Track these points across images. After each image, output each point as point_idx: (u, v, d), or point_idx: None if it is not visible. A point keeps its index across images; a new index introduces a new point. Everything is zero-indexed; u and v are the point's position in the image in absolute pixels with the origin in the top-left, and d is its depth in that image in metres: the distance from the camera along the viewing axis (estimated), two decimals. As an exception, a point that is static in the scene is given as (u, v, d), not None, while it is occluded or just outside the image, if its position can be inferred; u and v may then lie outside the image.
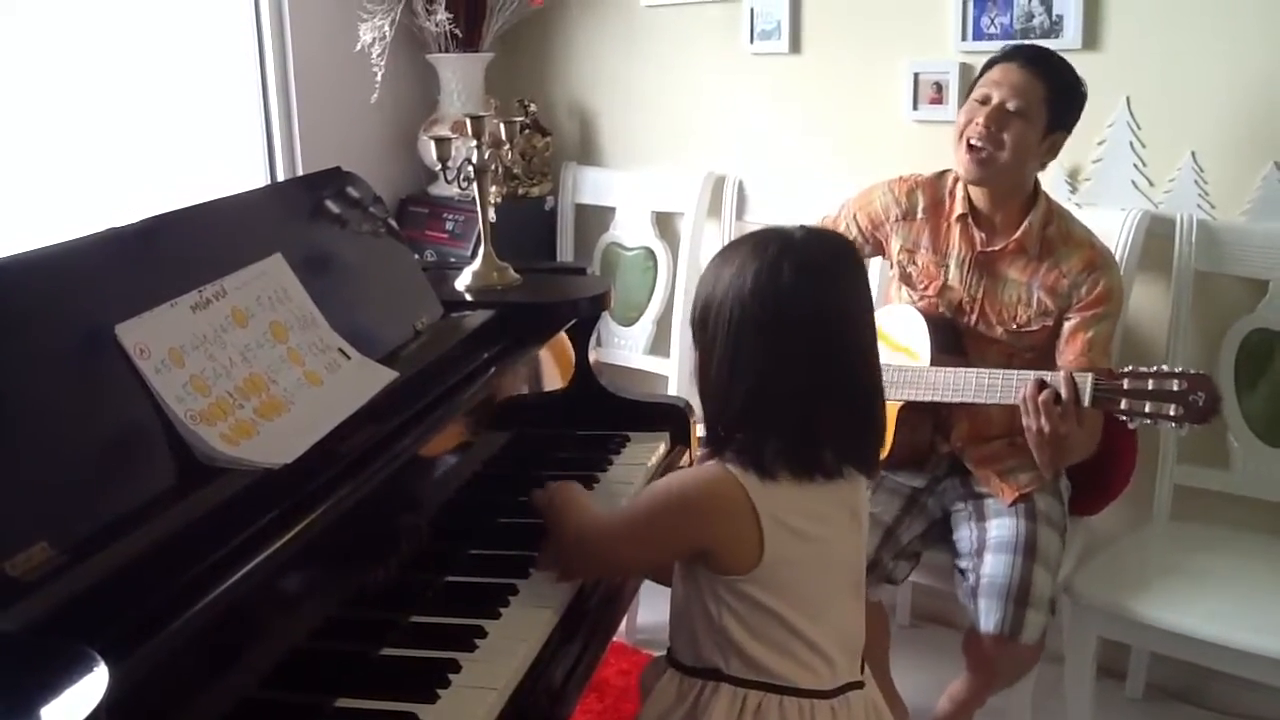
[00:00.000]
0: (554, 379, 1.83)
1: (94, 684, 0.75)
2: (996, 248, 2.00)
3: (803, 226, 1.29)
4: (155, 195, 2.33)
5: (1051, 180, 2.19)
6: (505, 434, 1.61)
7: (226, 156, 2.62)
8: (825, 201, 2.27)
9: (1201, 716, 2.32)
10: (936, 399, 1.95)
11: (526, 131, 2.89)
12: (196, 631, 0.94)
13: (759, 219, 2.68)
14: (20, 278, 1.08)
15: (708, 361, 1.26)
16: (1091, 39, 2.24)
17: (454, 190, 1.90)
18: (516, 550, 1.43)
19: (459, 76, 2.85)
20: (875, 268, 2.29)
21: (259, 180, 2.65)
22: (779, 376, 1.20)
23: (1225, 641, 1.81)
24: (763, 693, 1.24)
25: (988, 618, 1.84)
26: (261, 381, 1.24)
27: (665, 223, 2.89)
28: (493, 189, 1.90)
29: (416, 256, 1.84)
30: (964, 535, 2.00)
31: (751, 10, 2.68)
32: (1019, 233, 1.97)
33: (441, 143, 1.83)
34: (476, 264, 1.88)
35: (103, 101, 2.31)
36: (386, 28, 2.61)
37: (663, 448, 1.83)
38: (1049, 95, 1.92)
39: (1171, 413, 1.73)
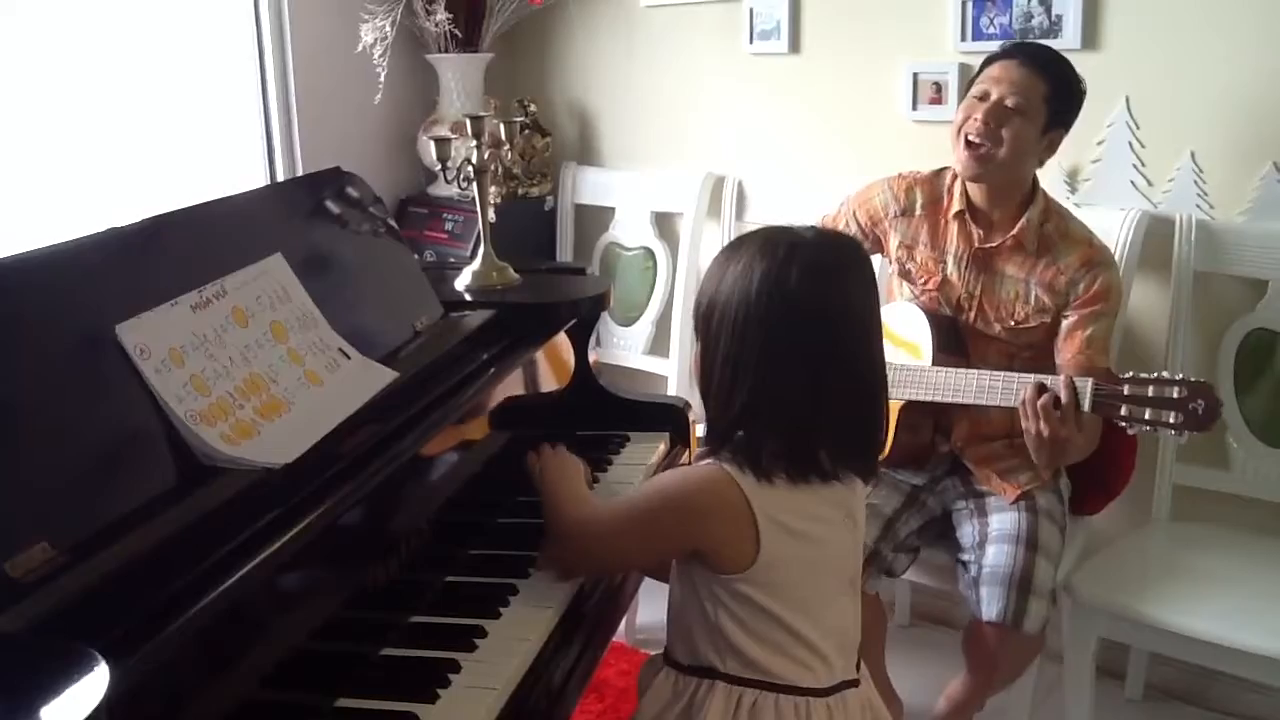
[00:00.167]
0: (553, 379, 1.83)
1: (95, 684, 0.75)
2: (994, 244, 2.00)
3: (811, 227, 1.29)
4: (155, 195, 2.34)
5: (1051, 180, 2.19)
6: (505, 434, 1.61)
7: (226, 157, 2.63)
8: (825, 201, 2.27)
9: (1201, 717, 2.32)
10: (937, 399, 1.95)
11: (526, 132, 2.89)
12: (197, 631, 0.94)
13: (758, 219, 2.68)
14: (21, 278, 1.08)
15: (710, 359, 1.25)
16: (1091, 39, 2.25)
17: (454, 190, 1.90)
18: (516, 550, 1.43)
19: (459, 77, 2.85)
20: (876, 265, 2.28)
21: (259, 180, 2.65)
22: (782, 377, 1.20)
23: (1225, 641, 1.81)
24: (758, 691, 1.24)
25: (989, 606, 1.84)
26: (262, 381, 1.24)
27: (665, 223, 2.89)
28: (492, 189, 1.90)
29: (416, 257, 1.84)
30: (966, 531, 2.00)
31: (751, 10, 2.68)
32: (1016, 229, 1.97)
33: (441, 143, 1.83)
34: (476, 264, 1.88)
35: (103, 101, 2.31)
36: (387, 28, 2.61)
37: (662, 447, 1.83)
38: (1048, 93, 1.92)
39: (1171, 420, 1.73)
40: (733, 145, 2.79)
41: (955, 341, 2.04)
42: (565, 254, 3.03)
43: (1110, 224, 2.16)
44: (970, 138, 1.94)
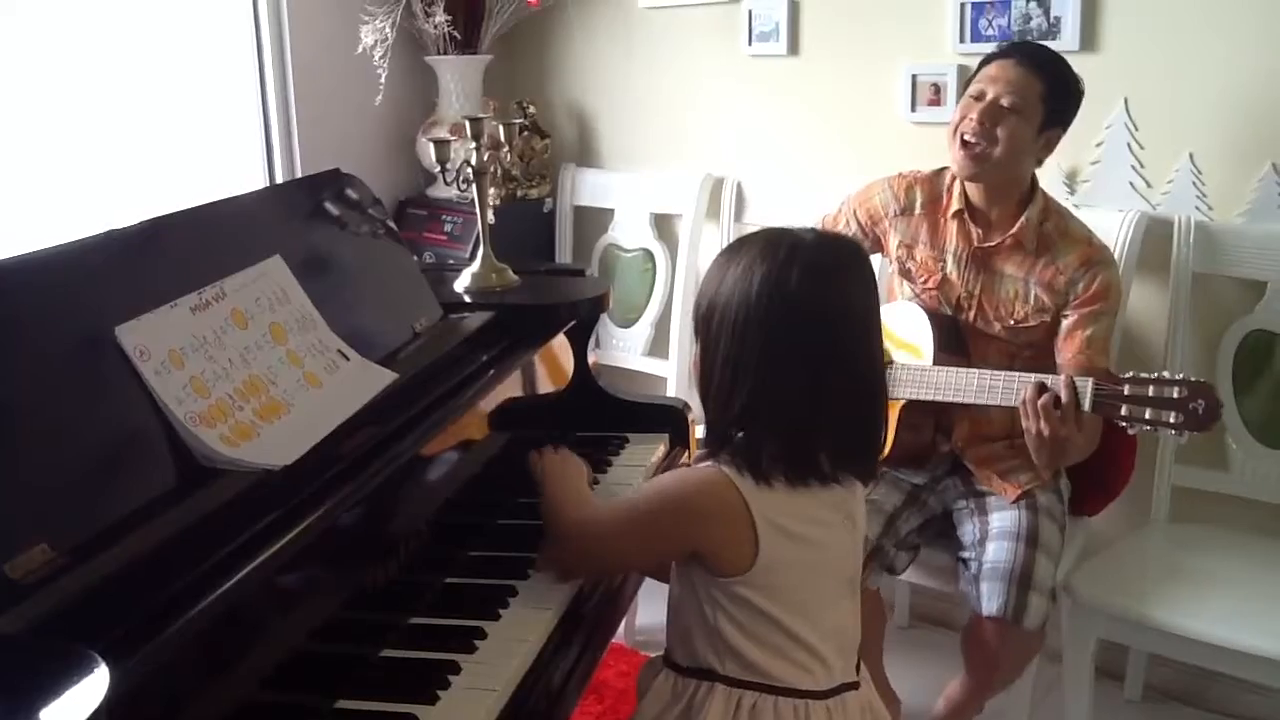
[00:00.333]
0: (553, 381, 1.83)
1: (95, 685, 0.75)
2: (993, 243, 2.00)
3: (811, 229, 1.29)
4: (155, 197, 2.34)
5: (1050, 181, 2.19)
6: (504, 435, 1.61)
7: (226, 158, 2.63)
8: (824, 202, 2.27)
9: (1200, 718, 2.32)
10: (937, 398, 1.95)
11: (525, 133, 2.89)
12: (197, 633, 0.94)
13: (757, 220, 2.68)
14: (21, 279, 1.08)
15: (710, 360, 1.25)
16: (1089, 41, 2.25)
17: (453, 192, 1.90)
18: (516, 552, 1.43)
19: (458, 78, 2.85)
20: (875, 264, 2.29)
21: (258, 182, 2.65)
22: (781, 378, 1.20)
23: (1224, 642, 1.81)
24: (758, 693, 1.24)
25: (990, 600, 1.84)
26: (261, 383, 1.24)
27: (664, 224, 2.89)
28: (491, 191, 1.90)
29: (415, 258, 1.84)
30: (967, 530, 2.00)
31: (750, 12, 2.68)
32: (1015, 228, 1.98)
33: (440, 145, 1.83)
34: (475, 265, 1.88)
35: (103, 103, 2.31)
36: (387, 30, 2.61)
37: (662, 449, 1.83)
38: (1044, 92, 1.92)
39: (1171, 420, 1.73)
40: (732, 147, 2.80)
41: (956, 341, 2.04)
42: (564, 255, 3.03)
43: (1109, 225, 2.16)
44: (965, 137, 1.94)
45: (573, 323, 1.85)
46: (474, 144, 1.83)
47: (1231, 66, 2.11)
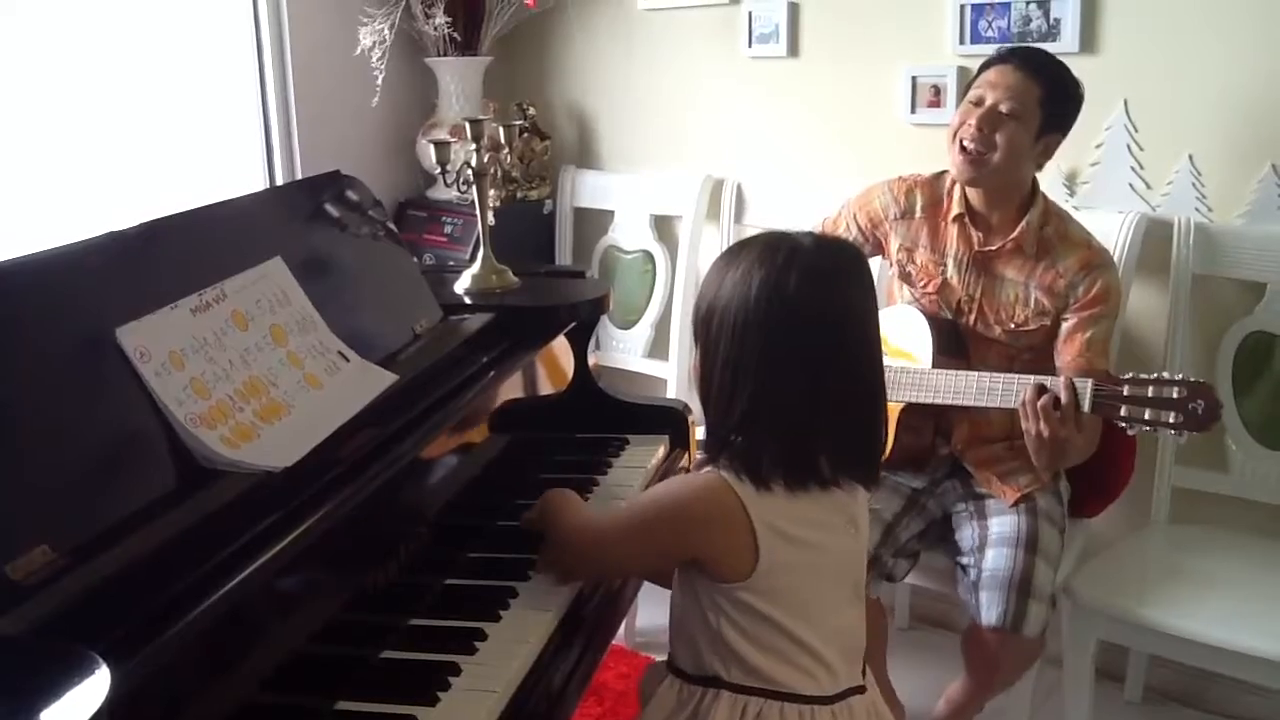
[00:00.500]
0: (553, 382, 1.83)
1: (96, 687, 0.75)
2: (994, 247, 2.00)
3: (809, 232, 1.29)
4: (155, 198, 2.34)
5: (1049, 183, 2.19)
6: (504, 437, 1.61)
7: (226, 160, 2.63)
8: (824, 205, 2.27)
9: (1200, 719, 2.32)
10: (937, 401, 1.95)
11: (525, 135, 2.89)
12: (198, 634, 0.94)
13: (757, 222, 2.68)
14: (21, 281, 1.08)
15: (710, 364, 1.25)
16: (1089, 42, 2.25)
17: (453, 194, 1.90)
18: (516, 553, 1.43)
19: (457, 80, 2.85)
20: (876, 267, 2.29)
21: (258, 184, 2.65)
22: (782, 382, 1.20)
23: (1224, 644, 1.81)
24: (763, 699, 1.24)
25: (989, 610, 1.84)
26: (261, 384, 1.24)
27: (664, 226, 2.89)
28: (491, 192, 1.90)
29: (415, 260, 1.85)
30: (966, 534, 2.00)
31: (750, 14, 2.68)
32: (1016, 232, 1.98)
33: (440, 146, 1.83)
34: (475, 267, 1.88)
35: (102, 105, 2.31)
36: (386, 31, 2.61)
37: (662, 450, 1.83)
38: (1043, 96, 1.92)
39: (1171, 420, 1.73)
40: (732, 148, 2.80)
41: (955, 344, 2.04)
42: (564, 257, 3.03)
43: (1109, 227, 2.16)
44: (964, 143, 1.94)
45: (573, 324, 1.85)
46: (474, 146, 1.84)
47: (1231, 68, 2.11)
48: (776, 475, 1.21)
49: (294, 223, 1.52)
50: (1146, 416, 1.75)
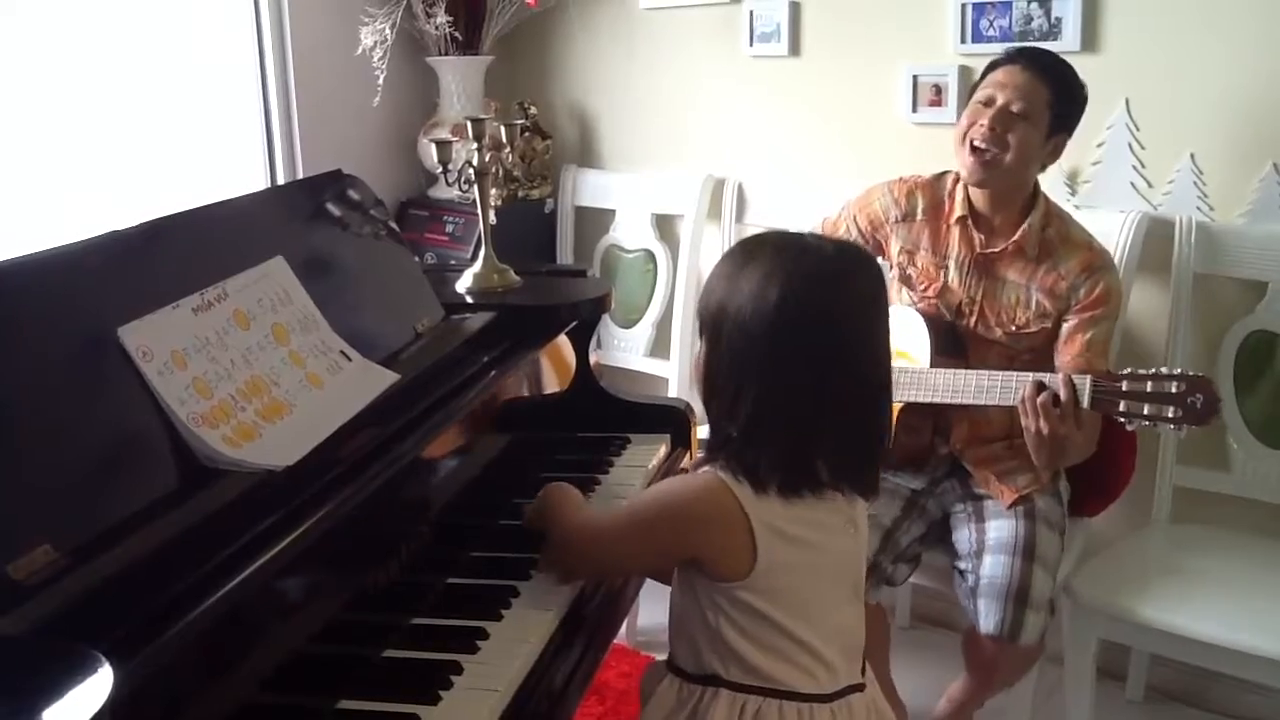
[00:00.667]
0: (554, 381, 1.83)
1: (98, 686, 0.75)
2: (995, 249, 2.00)
3: (822, 236, 1.29)
4: (156, 198, 2.34)
5: (1051, 182, 2.19)
6: (506, 436, 1.61)
7: (227, 160, 2.63)
8: (825, 204, 2.27)
9: (1202, 718, 2.32)
10: (936, 400, 1.95)
11: (526, 134, 2.89)
12: (199, 633, 0.94)
13: (759, 222, 2.68)
14: (23, 281, 1.08)
15: (717, 363, 1.25)
16: (1090, 41, 2.25)
17: (454, 193, 1.90)
18: (518, 552, 1.43)
19: (459, 79, 2.85)
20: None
21: (259, 183, 2.65)
22: (788, 386, 1.19)
23: (1225, 643, 1.81)
24: (762, 698, 1.24)
25: (987, 619, 1.84)
26: (263, 384, 1.24)
27: (665, 225, 2.89)
28: (493, 191, 1.90)
29: (417, 259, 1.85)
30: (963, 537, 2.00)
31: (751, 13, 2.68)
32: (1018, 234, 1.97)
33: (442, 145, 1.83)
34: (477, 266, 1.88)
35: (104, 105, 2.31)
36: (388, 31, 2.61)
37: (663, 450, 1.83)
38: (1052, 98, 1.92)
39: (1170, 415, 1.73)
40: (733, 148, 2.80)
41: (954, 345, 2.04)
42: (566, 256, 3.03)
43: (1110, 226, 2.16)
44: (976, 143, 1.93)
45: (574, 323, 1.85)
46: (475, 145, 1.84)
47: (1232, 67, 2.11)
48: (774, 479, 1.21)
49: (295, 222, 1.52)
50: (1146, 411, 1.75)
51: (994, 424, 2.04)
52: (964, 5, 2.37)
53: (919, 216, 2.08)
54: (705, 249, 2.78)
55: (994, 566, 1.89)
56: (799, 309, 1.19)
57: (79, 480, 1.01)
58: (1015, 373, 1.88)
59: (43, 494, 0.97)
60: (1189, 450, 2.17)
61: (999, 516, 1.97)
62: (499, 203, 1.95)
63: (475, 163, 1.85)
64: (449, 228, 2.84)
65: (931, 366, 1.98)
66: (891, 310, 2.09)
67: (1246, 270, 2.13)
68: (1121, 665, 2.35)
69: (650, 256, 2.90)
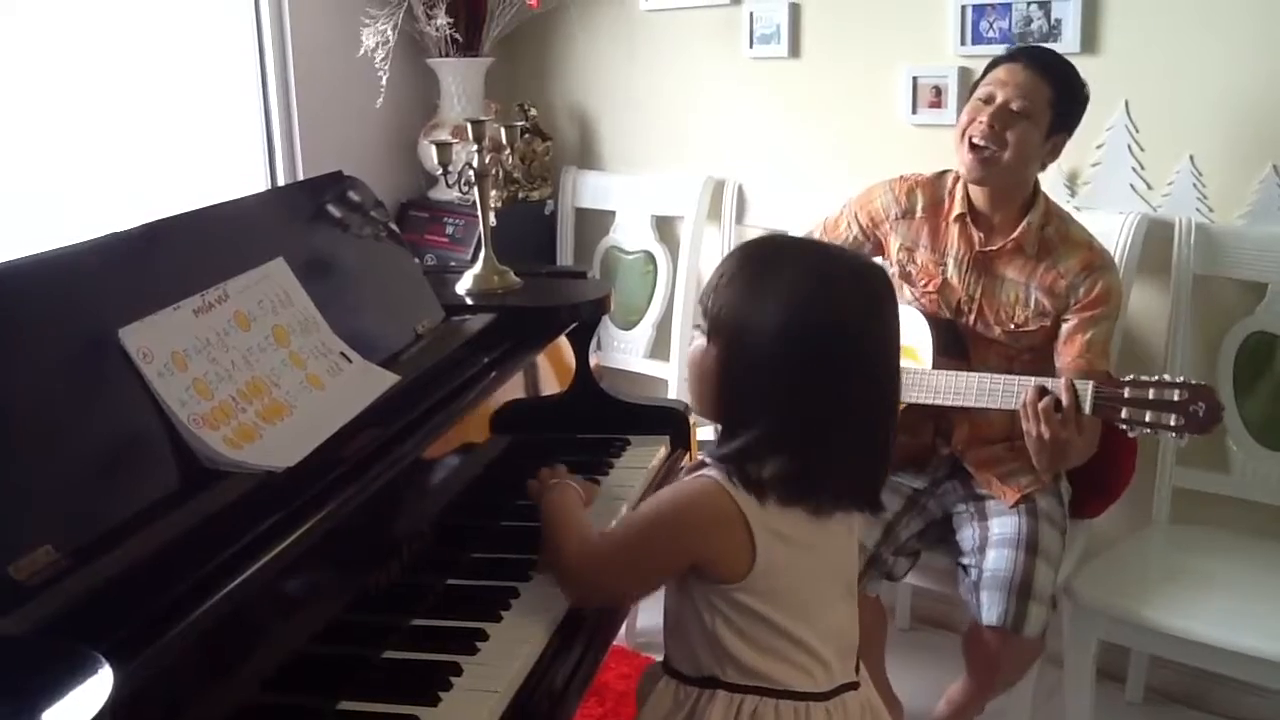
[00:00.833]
0: (554, 383, 1.83)
1: (99, 687, 0.75)
2: (994, 247, 2.00)
3: (833, 244, 1.28)
4: (157, 199, 2.34)
5: (1050, 183, 2.19)
6: (506, 437, 1.61)
7: (228, 161, 2.63)
8: (825, 205, 2.27)
9: (1202, 720, 2.32)
10: (938, 401, 1.95)
11: (526, 136, 2.89)
12: (200, 634, 0.94)
13: (759, 223, 2.69)
14: (23, 282, 1.08)
15: (732, 372, 1.22)
16: (1090, 43, 2.25)
17: (454, 194, 1.91)
18: (518, 553, 1.43)
19: (459, 81, 2.86)
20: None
21: (260, 184, 2.66)
22: (810, 399, 1.18)
23: (1225, 644, 1.81)
24: (759, 697, 1.23)
25: (990, 610, 1.84)
26: (264, 385, 1.24)
27: (665, 227, 2.89)
28: (493, 193, 1.91)
29: (417, 260, 1.85)
30: (967, 535, 2.00)
31: (751, 15, 2.68)
32: (1017, 233, 1.98)
33: (442, 147, 1.83)
34: (477, 268, 1.88)
35: (105, 106, 2.32)
36: (389, 32, 2.62)
37: (663, 451, 1.83)
38: (1053, 96, 1.92)
39: (1172, 423, 1.73)
40: (733, 149, 2.80)
41: (955, 344, 2.04)
42: (566, 258, 3.03)
43: (1110, 227, 2.16)
44: (975, 140, 1.94)
45: (574, 325, 1.85)
46: (475, 146, 1.84)
47: (1232, 68, 2.11)
48: (779, 490, 1.20)
49: (296, 223, 1.52)
50: (1147, 419, 1.75)
51: (995, 425, 2.04)
52: (964, 7, 2.38)
53: (919, 214, 2.08)
54: (705, 251, 2.78)
55: (997, 560, 1.89)
56: (834, 324, 1.18)
57: (80, 481, 1.01)
58: (1018, 376, 1.89)
59: (44, 495, 0.97)
60: (1189, 452, 2.17)
61: (1002, 514, 1.97)
62: (499, 204, 1.95)
63: (475, 164, 1.85)
64: (449, 229, 2.84)
65: (934, 367, 1.99)
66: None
67: (1246, 271, 2.14)
68: (1121, 667, 2.35)
69: (650, 258, 2.90)
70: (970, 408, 1.94)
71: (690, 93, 2.85)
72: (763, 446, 1.21)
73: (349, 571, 1.21)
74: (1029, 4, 2.30)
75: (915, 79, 2.48)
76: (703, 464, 1.26)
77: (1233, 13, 2.10)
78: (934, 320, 2.04)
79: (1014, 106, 1.91)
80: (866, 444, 1.23)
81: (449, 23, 2.70)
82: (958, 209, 2.02)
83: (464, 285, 1.87)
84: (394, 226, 1.77)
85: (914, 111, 2.49)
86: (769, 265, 1.23)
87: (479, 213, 1.88)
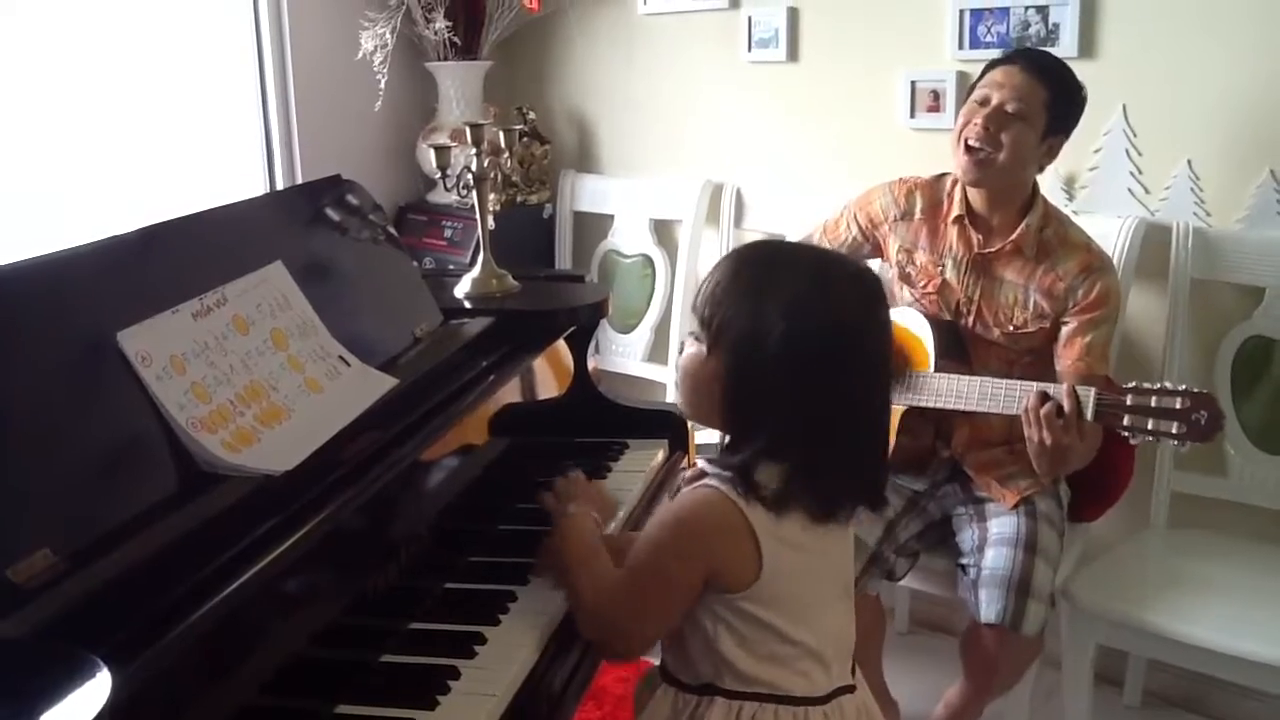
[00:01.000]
0: (552, 386, 1.83)
1: (97, 690, 0.75)
2: (993, 249, 2.00)
3: (831, 251, 1.29)
4: (156, 203, 2.34)
5: (1048, 188, 2.19)
6: (504, 441, 1.61)
7: (226, 164, 2.63)
8: (823, 209, 2.27)
9: (1199, 724, 2.32)
10: (939, 405, 1.95)
11: (525, 139, 2.90)
12: (198, 638, 0.94)
13: (757, 227, 2.69)
14: (22, 285, 1.08)
15: (736, 382, 1.21)
16: (1088, 48, 2.25)
17: (453, 198, 1.90)
18: (516, 557, 1.43)
19: (458, 84, 2.86)
20: (875, 269, 2.29)
21: (259, 188, 2.66)
22: (818, 409, 1.19)
23: (1223, 648, 1.81)
24: (757, 704, 1.23)
25: (989, 608, 1.84)
26: (262, 388, 1.24)
27: (663, 230, 2.89)
28: (491, 196, 1.91)
29: (415, 264, 1.85)
30: (966, 536, 2.01)
31: (749, 19, 2.69)
32: (1015, 234, 1.98)
33: (441, 151, 1.83)
34: (475, 271, 1.88)
35: (103, 109, 2.32)
36: (388, 36, 2.62)
37: (661, 454, 1.84)
38: (1049, 98, 1.92)
39: (1174, 430, 1.73)
40: (731, 153, 2.80)
41: (956, 347, 2.04)
42: (564, 261, 3.03)
43: (1107, 231, 2.16)
44: (970, 142, 1.94)
45: (572, 328, 1.85)
46: (474, 150, 1.84)
47: (1229, 73, 2.12)
48: (781, 495, 1.20)
49: (294, 227, 1.52)
50: (1149, 426, 1.75)
51: (994, 428, 2.04)
52: (962, 11, 2.38)
53: (917, 215, 2.09)
54: (703, 254, 2.79)
55: (996, 559, 1.89)
56: (836, 325, 1.19)
57: (78, 484, 1.01)
58: (1020, 381, 1.88)
59: (42, 498, 0.97)
60: (1186, 456, 2.16)
61: (1001, 515, 1.98)
62: (497, 208, 1.95)
63: (474, 168, 1.85)
64: (447, 233, 2.84)
65: (936, 370, 1.99)
66: (895, 310, 2.12)
67: (1244, 276, 2.14)
68: (1119, 670, 2.35)
69: (648, 261, 2.90)
70: (972, 412, 1.95)
71: (689, 96, 2.85)
72: (769, 451, 1.20)
73: (347, 575, 1.21)
74: (1027, 8, 2.30)
75: (913, 83, 2.48)
76: (703, 473, 1.26)
77: (1230, 17, 2.10)
78: (935, 323, 2.04)
79: (1009, 108, 1.92)
80: (869, 439, 1.25)
81: (448, 26, 2.70)
82: (956, 211, 2.03)
83: (462, 289, 1.87)
84: (392, 230, 1.77)
85: (912, 116, 2.49)
86: (766, 271, 1.23)
87: (477, 216, 1.88)
